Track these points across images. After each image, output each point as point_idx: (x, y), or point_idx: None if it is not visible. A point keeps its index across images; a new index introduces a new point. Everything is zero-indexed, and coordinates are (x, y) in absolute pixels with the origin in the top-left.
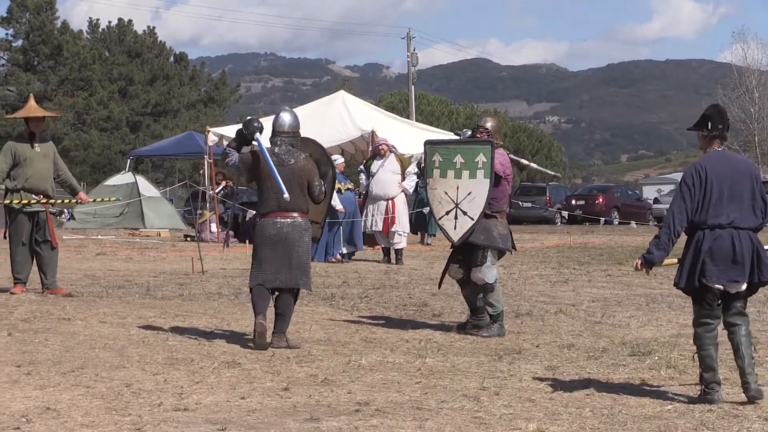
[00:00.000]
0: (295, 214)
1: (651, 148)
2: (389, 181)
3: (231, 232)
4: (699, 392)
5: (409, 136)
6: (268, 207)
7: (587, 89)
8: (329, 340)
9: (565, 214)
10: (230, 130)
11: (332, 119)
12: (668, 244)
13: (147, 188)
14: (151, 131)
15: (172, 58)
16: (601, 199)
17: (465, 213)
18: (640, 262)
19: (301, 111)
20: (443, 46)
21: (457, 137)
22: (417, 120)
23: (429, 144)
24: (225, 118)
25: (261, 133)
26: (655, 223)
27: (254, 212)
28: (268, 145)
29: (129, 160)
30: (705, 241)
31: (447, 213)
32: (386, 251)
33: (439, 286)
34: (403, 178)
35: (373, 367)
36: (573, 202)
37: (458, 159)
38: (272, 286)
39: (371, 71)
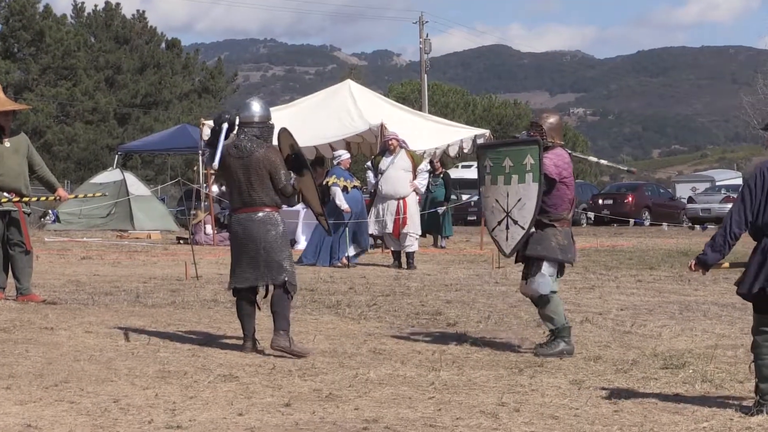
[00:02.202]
0: (260, 209)
1: (685, 142)
2: (400, 179)
3: (227, 234)
4: (754, 403)
5: (421, 129)
6: (233, 203)
7: (615, 78)
8: (335, 352)
9: (591, 214)
10: (226, 123)
11: (338, 111)
12: (724, 246)
13: (136, 186)
14: (140, 124)
15: (163, 45)
16: (630, 199)
17: (516, 222)
18: (694, 262)
19: (304, 102)
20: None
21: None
22: (430, 112)
23: (480, 148)
24: (221, 110)
25: (230, 125)
26: (689, 224)
27: None
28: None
29: (117, 156)
30: None
31: (499, 223)
32: (396, 255)
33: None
34: (414, 177)
35: (382, 381)
36: (600, 201)
37: (507, 162)
38: (245, 285)
39: (380, 59)
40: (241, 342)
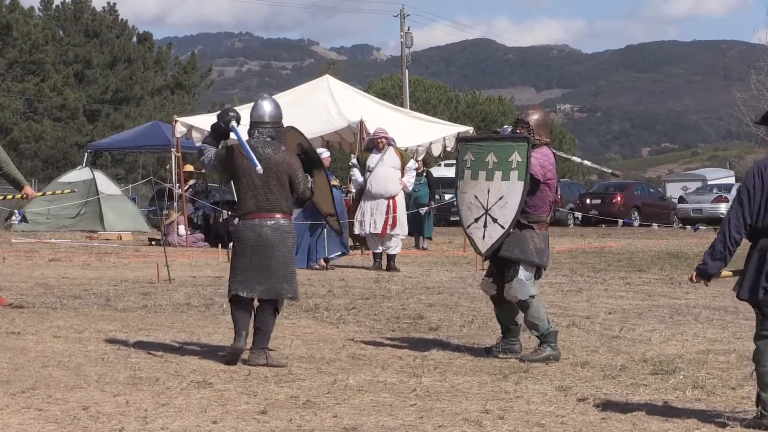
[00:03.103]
0: (277, 215)
1: (675, 140)
2: (390, 177)
3: (201, 236)
4: (756, 414)
5: (402, 126)
6: (246, 208)
7: (604, 74)
8: (312, 357)
9: (579, 214)
10: (200, 120)
11: (316, 108)
12: (724, 252)
13: (106, 185)
14: (111, 121)
15: (134, 39)
16: (619, 198)
17: (495, 220)
18: (695, 274)
19: (280, 98)
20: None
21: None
22: (412, 108)
23: (462, 141)
24: (194, 106)
25: (238, 122)
26: (680, 225)
27: (229, 213)
28: (246, 137)
29: (86, 154)
30: None
31: (476, 220)
32: (378, 256)
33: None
34: (402, 175)
35: (361, 388)
36: (587, 201)
37: (491, 158)
38: (251, 296)
39: (360, 53)
40: (214, 348)
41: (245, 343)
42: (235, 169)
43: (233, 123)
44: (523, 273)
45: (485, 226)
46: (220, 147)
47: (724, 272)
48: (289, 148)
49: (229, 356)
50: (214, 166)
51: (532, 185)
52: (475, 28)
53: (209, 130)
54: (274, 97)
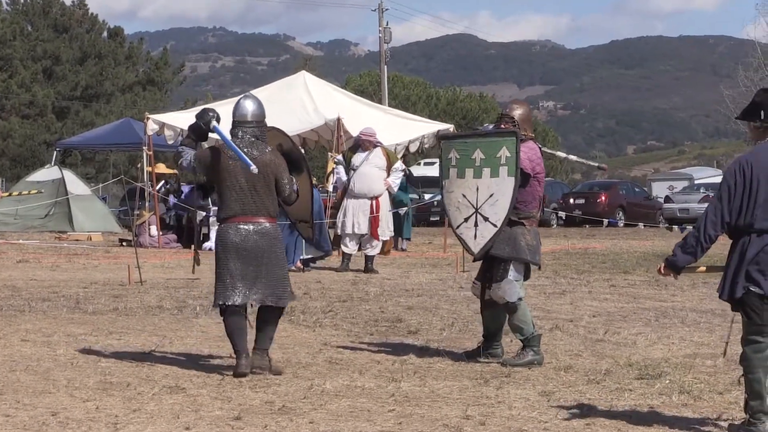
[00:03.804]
0: (262, 219)
1: (662, 138)
2: (375, 177)
3: (173, 236)
4: (743, 421)
5: (380, 124)
6: (229, 210)
7: (588, 70)
8: (288, 362)
9: (562, 214)
10: (172, 117)
11: (292, 105)
12: (696, 247)
13: (76, 185)
14: (80, 118)
15: (105, 34)
16: (603, 198)
17: (486, 219)
18: (663, 265)
19: (255, 95)
20: (422, 19)
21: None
22: (390, 105)
23: (444, 139)
24: (167, 103)
25: (218, 122)
26: (666, 225)
27: (204, 215)
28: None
29: (55, 152)
30: (751, 247)
31: (466, 220)
32: (346, 257)
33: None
34: (388, 175)
35: (338, 393)
36: (571, 200)
37: (478, 155)
38: (242, 304)
39: (337, 49)
40: (186, 352)
41: (249, 362)
42: (219, 171)
43: (214, 123)
44: (512, 273)
45: (476, 225)
46: (200, 148)
47: (699, 268)
48: (281, 147)
49: (236, 376)
50: (193, 169)
51: (522, 180)
52: (457, 23)
53: (187, 130)
54: (248, 93)
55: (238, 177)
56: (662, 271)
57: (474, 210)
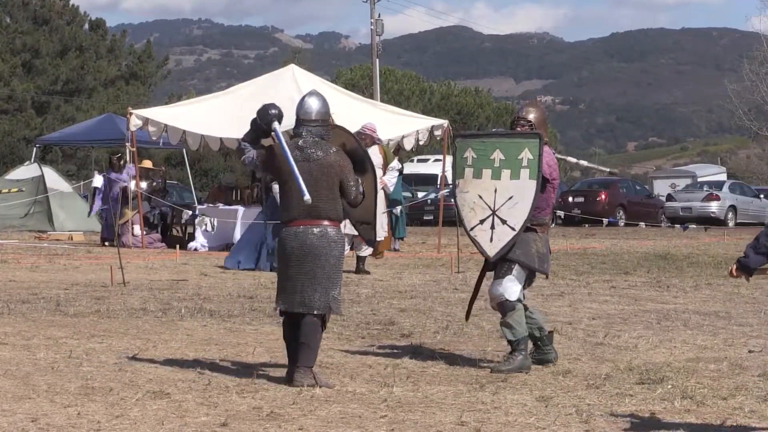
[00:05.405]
0: (325, 222)
1: (663, 134)
2: None
3: (158, 236)
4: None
5: (372, 119)
6: (291, 214)
7: (587, 63)
8: (276, 366)
9: (561, 213)
10: (156, 112)
11: (280, 99)
12: None
13: (56, 182)
14: (61, 114)
15: (86, 26)
16: (603, 196)
17: (504, 222)
18: (735, 267)
19: (242, 89)
20: (416, 11)
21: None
22: (382, 100)
23: (461, 137)
24: (150, 98)
25: (280, 121)
26: (668, 224)
27: (190, 213)
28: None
29: (35, 149)
30: None
31: (481, 222)
32: None
33: (467, 317)
34: (384, 173)
35: (329, 398)
36: (570, 199)
37: (497, 155)
38: (292, 310)
39: (327, 41)
40: (171, 357)
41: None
42: (280, 172)
43: (275, 125)
44: (516, 272)
45: (493, 227)
46: (261, 147)
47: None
48: (344, 147)
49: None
50: (256, 167)
51: (542, 185)
52: (451, 15)
53: (249, 126)
54: (235, 87)
55: None
56: (734, 272)
57: (491, 212)
